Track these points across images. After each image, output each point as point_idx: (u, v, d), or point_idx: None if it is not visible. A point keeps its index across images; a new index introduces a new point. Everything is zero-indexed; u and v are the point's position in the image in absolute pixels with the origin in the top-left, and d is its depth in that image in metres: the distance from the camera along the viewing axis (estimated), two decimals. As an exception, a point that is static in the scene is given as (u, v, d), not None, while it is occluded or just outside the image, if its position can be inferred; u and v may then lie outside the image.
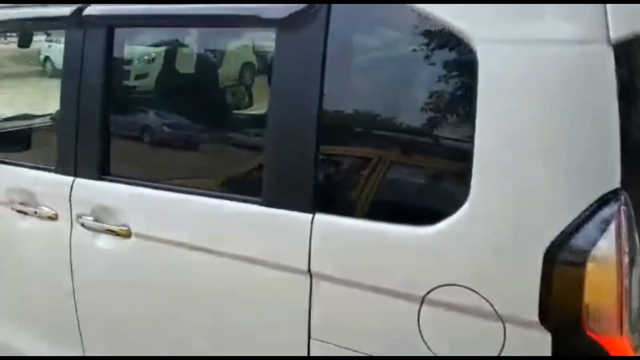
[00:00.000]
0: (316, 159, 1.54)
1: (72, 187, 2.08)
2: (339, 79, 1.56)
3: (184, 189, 1.85)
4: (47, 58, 3.31)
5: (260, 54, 1.82)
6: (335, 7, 1.52)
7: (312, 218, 1.55)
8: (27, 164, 2.30)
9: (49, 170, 2.18)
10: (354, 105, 1.59)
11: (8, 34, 2.72)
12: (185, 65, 2.29)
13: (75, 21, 2.02)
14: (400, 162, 1.53)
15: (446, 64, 1.45)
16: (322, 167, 1.56)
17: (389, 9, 1.48)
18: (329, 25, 1.52)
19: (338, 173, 1.61)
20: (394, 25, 1.54)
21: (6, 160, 2.38)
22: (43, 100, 2.94)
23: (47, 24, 2.22)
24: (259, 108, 1.87)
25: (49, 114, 2.54)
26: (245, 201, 1.69)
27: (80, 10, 2.01)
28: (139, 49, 2.33)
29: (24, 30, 2.50)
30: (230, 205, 1.72)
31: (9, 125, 2.74)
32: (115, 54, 2.00)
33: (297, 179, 1.58)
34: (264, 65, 1.75)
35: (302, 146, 1.56)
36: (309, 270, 1.56)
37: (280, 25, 1.59)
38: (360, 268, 1.49)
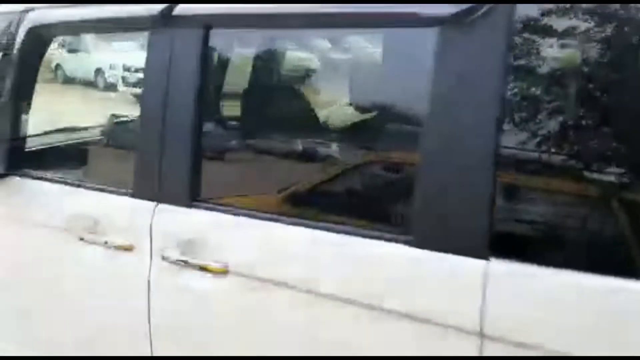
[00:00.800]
0: (494, 185, 1.24)
1: (153, 214, 1.78)
2: (524, 86, 1.26)
3: (301, 220, 1.55)
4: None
5: (409, 58, 1.52)
6: (521, 8, 1.23)
7: (487, 265, 1.25)
8: (93, 185, 2.00)
9: (123, 194, 1.88)
10: (544, 118, 1.28)
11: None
12: (299, 73, 1.97)
13: (163, 22, 1.73)
14: (616, 196, 1.22)
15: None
16: (503, 197, 1.26)
17: None
18: (512, 26, 1.23)
19: (527, 204, 1.31)
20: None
21: (66, 180, 2.09)
22: (95, 111, 2.66)
23: (125, 26, 1.92)
24: (402, 120, 1.56)
25: (114, 127, 2.25)
26: (387, 239, 1.38)
27: (170, 9, 1.72)
28: (242, 53, 2.02)
29: (96, 33, 2.20)
30: (365, 244, 1.42)
31: (57, 139, 2.45)
32: (212, 60, 1.70)
33: (465, 213, 1.27)
34: (410, 72, 1.46)
35: (473, 169, 1.26)
36: (481, 332, 1.25)
37: (450, 24, 1.29)
38: (557, 333, 1.18)
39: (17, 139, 2.19)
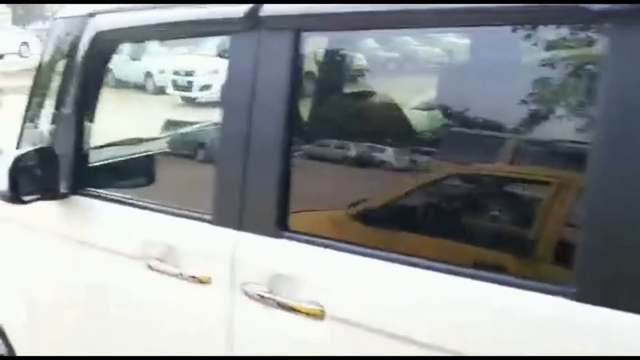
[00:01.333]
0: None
1: (236, 244, 1.56)
2: None
3: (419, 260, 1.30)
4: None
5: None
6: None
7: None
8: (163, 207, 1.80)
9: (200, 219, 1.67)
10: None
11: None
12: (419, 78, 1.70)
13: (248, 24, 1.51)
14: None
15: None
16: None
17: None
18: None
19: None
20: None
21: (132, 201, 1.90)
22: (156, 119, 2.46)
23: (203, 29, 1.72)
24: (556, 132, 1.29)
25: (184, 138, 2.04)
26: (538, 289, 1.13)
27: (255, 10, 1.50)
28: (339, 58, 1.78)
29: (169, 38, 2.00)
30: (511, 294, 1.16)
31: (120, 153, 2.26)
32: (304, 66, 1.48)
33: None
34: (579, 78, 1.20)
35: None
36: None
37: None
38: None
39: (80, 154, 2.01)
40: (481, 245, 1.35)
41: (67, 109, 1.99)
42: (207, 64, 10.95)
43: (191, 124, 2.40)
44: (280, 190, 1.48)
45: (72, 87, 1.98)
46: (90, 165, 2.08)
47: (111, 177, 2.14)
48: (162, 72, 10.26)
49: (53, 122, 2.06)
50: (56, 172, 1.95)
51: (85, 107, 2.00)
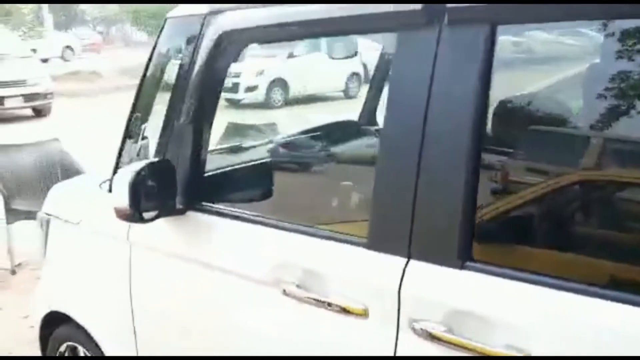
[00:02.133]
0: None
1: (403, 274, 1.36)
2: None
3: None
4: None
5: None
6: None
7: None
8: (301, 227, 1.60)
9: (350, 242, 1.48)
10: None
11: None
12: None
13: (425, 19, 1.31)
14: None
15: None
16: None
17: None
18: None
19: None
20: None
21: (260, 218, 1.71)
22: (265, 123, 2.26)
23: (357, 26, 1.52)
24: None
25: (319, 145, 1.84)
26: None
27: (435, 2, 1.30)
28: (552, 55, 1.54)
29: (311, 36, 1.81)
30: None
31: (238, 163, 2.07)
32: (501, 66, 1.27)
33: None
34: None
35: None
36: None
37: None
38: None
39: (196, 165, 1.84)
40: None
41: (183, 116, 1.82)
42: (252, 65, 10.82)
43: (314, 130, 2.19)
44: (465, 212, 1.26)
45: (189, 93, 1.80)
46: (206, 177, 1.90)
47: (227, 190, 1.96)
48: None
49: (164, 131, 1.89)
50: (174, 186, 1.78)
51: (203, 115, 1.82)
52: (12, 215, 4.21)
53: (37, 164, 4.55)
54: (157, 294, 1.95)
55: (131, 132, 2.06)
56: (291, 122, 6.70)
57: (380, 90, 2.92)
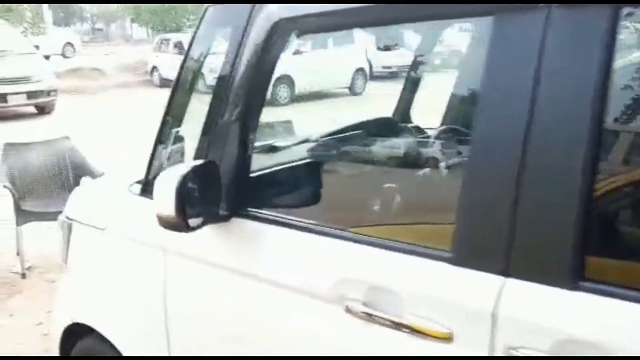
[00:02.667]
0: None
1: (499, 295, 1.19)
2: None
3: None
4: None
5: None
6: None
7: None
8: (366, 237, 1.44)
9: (433, 257, 1.31)
10: None
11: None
12: None
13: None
14: None
15: None
16: None
17: None
18: None
19: None
20: None
21: (318, 227, 1.54)
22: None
23: (446, 12, 1.34)
24: None
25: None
26: None
27: None
28: None
29: (377, 24, 1.64)
30: None
31: (285, 163, 1.89)
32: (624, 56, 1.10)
33: None
34: None
35: None
36: None
37: None
38: None
39: (242, 168, 1.67)
40: None
41: (228, 114, 1.65)
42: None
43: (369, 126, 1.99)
44: (578, 222, 1.10)
45: (235, 88, 1.63)
46: (251, 180, 1.74)
47: (274, 195, 1.79)
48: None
49: (205, 131, 1.72)
50: (219, 190, 1.61)
51: (250, 111, 1.65)
52: (22, 216, 4.03)
53: (47, 164, 4.38)
54: (197, 308, 1.79)
55: (165, 133, 1.89)
56: (304, 120, 6.52)
57: (416, 87, 2.77)
